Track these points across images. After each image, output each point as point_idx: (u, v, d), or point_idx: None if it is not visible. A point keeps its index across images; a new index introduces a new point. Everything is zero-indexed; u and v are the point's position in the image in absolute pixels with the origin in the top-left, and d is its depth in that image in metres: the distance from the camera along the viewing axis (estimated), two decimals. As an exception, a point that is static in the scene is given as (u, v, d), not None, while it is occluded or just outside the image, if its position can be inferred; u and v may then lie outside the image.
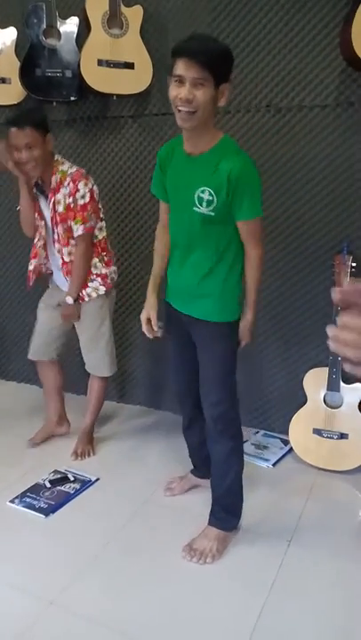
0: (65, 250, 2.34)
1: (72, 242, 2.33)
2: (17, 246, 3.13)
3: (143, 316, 1.95)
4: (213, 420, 1.86)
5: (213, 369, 1.84)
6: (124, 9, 2.47)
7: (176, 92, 1.53)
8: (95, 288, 2.40)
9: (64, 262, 2.36)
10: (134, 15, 2.48)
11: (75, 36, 2.58)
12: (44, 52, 2.59)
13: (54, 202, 2.27)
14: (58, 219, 2.29)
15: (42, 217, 2.39)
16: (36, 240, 2.46)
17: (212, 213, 1.66)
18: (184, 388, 2.04)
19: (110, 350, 2.53)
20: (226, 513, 1.91)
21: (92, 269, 2.40)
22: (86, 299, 2.40)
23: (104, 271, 2.42)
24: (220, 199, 1.63)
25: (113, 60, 2.49)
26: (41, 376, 2.69)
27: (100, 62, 2.49)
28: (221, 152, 1.64)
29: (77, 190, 2.23)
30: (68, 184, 2.24)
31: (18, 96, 2.71)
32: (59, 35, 2.58)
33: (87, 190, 2.25)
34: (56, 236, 2.33)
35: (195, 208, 1.67)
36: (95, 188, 2.31)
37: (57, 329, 2.53)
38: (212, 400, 1.85)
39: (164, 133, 2.63)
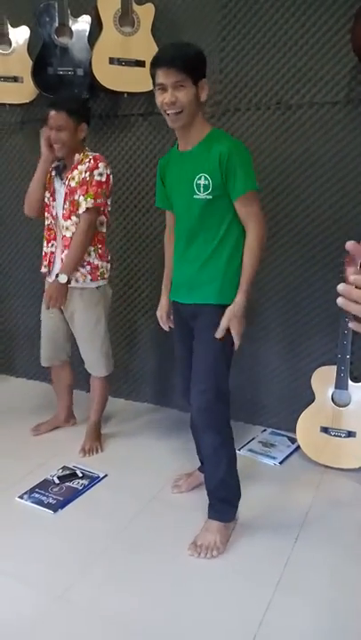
0: (65, 223, 2.33)
1: (73, 217, 2.31)
2: (27, 244, 3.16)
3: (158, 314, 2.13)
4: (200, 411, 1.85)
5: (204, 356, 1.85)
6: (135, 7, 2.48)
7: (161, 98, 1.70)
8: (83, 275, 2.35)
9: (65, 236, 2.35)
10: (146, 13, 2.49)
11: (86, 34, 2.60)
12: (55, 51, 2.61)
13: (70, 178, 2.30)
14: (69, 192, 2.31)
15: (54, 198, 2.40)
16: (48, 222, 2.44)
17: (210, 196, 1.75)
18: (188, 384, 2.01)
19: (106, 350, 2.52)
20: (222, 504, 1.93)
21: (85, 256, 2.35)
22: (72, 283, 2.34)
23: (96, 262, 2.38)
24: (215, 181, 1.73)
25: (124, 58, 2.50)
26: (53, 377, 2.73)
27: (111, 60, 2.50)
28: (212, 140, 1.76)
29: (97, 167, 2.27)
30: (89, 161, 2.28)
31: (30, 94, 2.73)
32: (70, 33, 2.60)
33: (106, 172, 2.29)
34: (64, 212, 2.33)
35: (194, 196, 1.77)
36: (111, 176, 2.34)
37: (63, 332, 2.56)
38: (200, 388, 1.84)
39: (174, 131, 2.63)
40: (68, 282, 2.32)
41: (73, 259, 2.30)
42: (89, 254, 2.37)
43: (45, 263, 2.47)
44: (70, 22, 2.59)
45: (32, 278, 3.14)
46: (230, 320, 1.79)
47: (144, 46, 2.50)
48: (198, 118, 1.76)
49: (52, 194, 2.40)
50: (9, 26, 2.71)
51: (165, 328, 2.13)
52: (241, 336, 1.82)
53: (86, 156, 2.32)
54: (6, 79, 2.74)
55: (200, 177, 1.76)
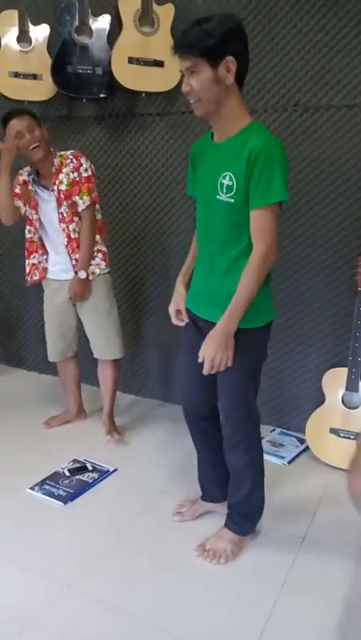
0: (70, 227, 2.40)
1: (76, 219, 2.40)
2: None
3: (171, 309, 1.87)
4: (228, 433, 1.80)
5: (231, 380, 1.72)
6: (155, 7, 2.50)
7: (183, 85, 1.54)
8: (97, 264, 2.49)
9: (70, 240, 2.42)
10: (166, 13, 2.51)
11: (106, 33, 2.62)
12: (75, 49, 2.63)
13: (57, 183, 2.35)
14: (63, 196, 2.36)
15: (37, 211, 2.45)
16: (30, 235, 2.54)
17: (232, 200, 1.55)
18: (193, 406, 1.92)
19: (120, 332, 2.60)
20: (242, 518, 1.88)
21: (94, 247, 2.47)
22: (91, 277, 2.46)
23: (104, 248, 2.51)
24: (239, 183, 1.52)
25: (143, 57, 2.52)
26: (61, 371, 2.78)
27: (130, 60, 2.52)
28: (248, 135, 1.53)
29: (81, 165, 2.36)
30: (71, 161, 2.35)
31: (48, 92, 2.76)
32: (90, 32, 2.62)
33: (88, 165, 2.39)
34: (60, 216, 2.39)
35: (217, 196, 1.58)
36: (92, 166, 2.43)
37: (69, 328, 2.63)
38: (227, 410, 1.79)
39: (190, 131, 2.66)
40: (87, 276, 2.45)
41: (87, 255, 2.44)
42: (97, 243, 2.47)
43: (37, 272, 2.55)
44: (90, 21, 2.61)
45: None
46: (205, 346, 1.59)
47: (163, 46, 2.51)
48: (232, 106, 1.54)
49: (35, 206, 2.45)
50: (29, 23, 2.73)
51: (180, 324, 1.85)
52: (216, 364, 1.59)
53: (64, 157, 2.37)
54: (26, 76, 2.76)
55: (225, 175, 1.54)
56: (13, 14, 2.71)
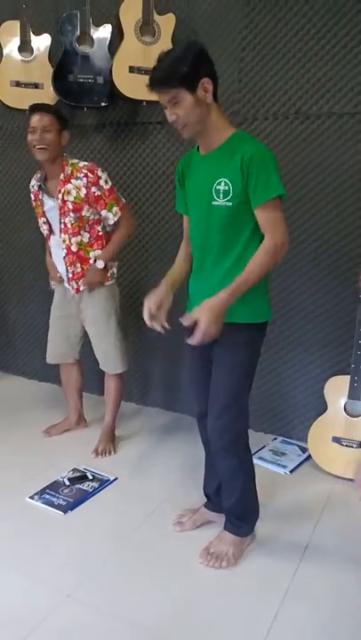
0: (74, 239, 2.38)
1: (83, 232, 2.38)
2: (31, 245, 3.19)
3: (147, 303, 1.78)
4: (216, 433, 1.78)
5: (225, 377, 1.75)
6: (156, 17, 2.52)
7: (167, 116, 1.63)
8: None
9: (69, 252, 2.40)
10: (167, 23, 2.53)
11: (107, 42, 2.64)
12: (76, 59, 2.65)
13: (64, 192, 2.33)
14: (68, 208, 2.33)
15: (46, 218, 2.46)
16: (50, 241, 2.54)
17: (230, 203, 1.62)
18: (205, 407, 1.88)
19: (120, 346, 2.56)
20: (239, 520, 1.90)
21: (90, 260, 2.44)
22: (81, 288, 2.46)
23: (114, 262, 2.49)
24: (235, 187, 1.60)
25: (144, 67, 2.53)
26: (63, 377, 2.76)
27: (131, 69, 2.54)
28: (234, 143, 1.63)
29: (99, 178, 2.33)
30: (85, 175, 2.32)
31: (50, 101, 2.75)
32: (92, 41, 2.64)
33: (106, 176, 2.36)
34: (62, 226, 2.38)
35: (213, 202, 1.64)
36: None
37: (73, 334, 2.62)
38: (217, 410, 1.77)
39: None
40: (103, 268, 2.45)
41: (115, 250, 2.44)
42: (89, 258, 2.44)
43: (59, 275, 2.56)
44: (92, 31, 2.63)
45: (39, 280, 3.17)
46: (202, 311, 1.56)
47: (164, 55, 2.53)
48: (214, 121, 1.63)
49: (44, 214, 2.45)
50: (31, 34, 2.76)
51: (155, 327, 1.77)
52: (206, 336, 1.56)
53: (76, 168, 2.33)
54: (27, 85, 2.79)
55: (220, 182, 1.62)
56: (15, 25, 2.73)
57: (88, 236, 2.41)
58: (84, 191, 2.32)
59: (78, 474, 2.39)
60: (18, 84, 2.77)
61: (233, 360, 1.73)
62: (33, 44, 2.77)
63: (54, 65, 2.70)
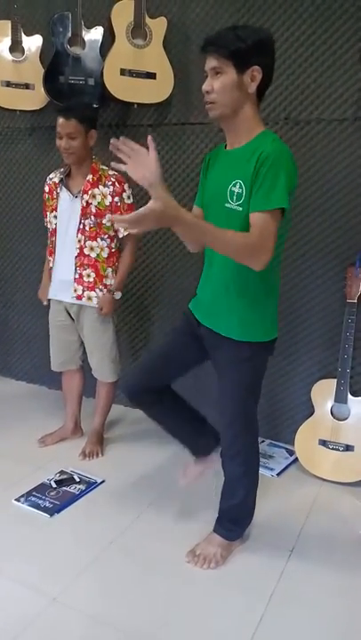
0: (88, 243, 2.37)
1: (99, 239, 2.38)
2: (31, 249, 3.18)
3: None
4: (227, 443, 1.82)
5: (226, 391, 1.75)
6: (148, 20, 2.52)
7: (203, 84, 1.53)
8: (98, 296, 2.43)
9: (81, 254, 2.39)
10: (158, 26, 2.53)
11: (99, 44, 2.64)
12: (68, 60, 2.64)
13: (90, 194, 2.33)
14: (90, 211, 2.33)
15: (56, 209, 2.44)
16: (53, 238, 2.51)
17: (240, 208, 1.52)
18: (142, 379, 1.88)
19: (114, 357, 2.56)
20: (232, 524, 1.90)
21: (104, 279, 2.43)
22: (83, 300, 2.43)
23: (112, 282, 2.46)
24: (248, 191, 1.50)
25: (135, 69, 2.54)
26: (65, 383, 2.73)
27: (122, 71, 2.54)
28: (259, 142, 1.52)
29: (124, 191, 2.36)
30: (113, 184, 2.33)
31: (40, 102, 2.77)
32: (83, 43, 2.64)
33: (130, 192, 2.38)
34: (81, 227, 2.36)
35: (226, 204, 1.56)
36: None
37: (71, 342, 2.60)
38: (225, 424, 1.80)
39: (182, 143, 2.68)
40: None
41: (124, 276, 2.47)
42: (107, 277, 2.43)
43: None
44: (83, 33, 2.63)
45: (35, 282, 3.16)
46: (157, 203, 1.34)
47: (155, 59, 2.54)
48: (247, 115, 1.54)
49: (55, 208, 2.43)
50: (22, 34, 2.75)
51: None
52: (142, 230, 1.38)
53: (106, 175, 2.35)
54: (18, 86, 2.77)
55: (235, 183, 1.52)
56: (6, 25, 2.72)
57: (108, 251, 2.41)
58: (109, 199, 2.33)
59: (65, 476, 2.38)
60: (8, 84, 2.75)
61: (234, 376, 1.72)
62: (24, 45, 2.76)
63: (45, 66, 2.70)
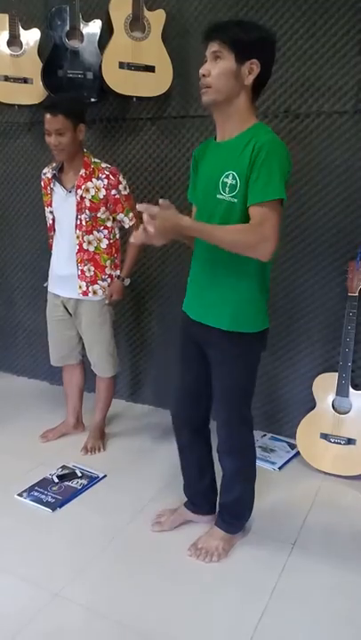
0: (86, 237, 2.37)
1: (95, 232, 2.37)
2: (30, 244, 3.18)
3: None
4: (222, 438, 1.82)
5: (221, 388, 1.76)
6: (146, 13, 2.50)
7: (201, 68, 1.53)
8: (103, 287, 2.43)
9: (81, 249, 2.38)
10: (157, 19, 2.51)
11: (97, 38, 2.62)
12: (66, 54, 2.63)
13: (83, 188, 2.31)
14: (85, 205, 2.32)
15: (51, 204, 2.44)
16: (51, 233, 2.53)
17: (235, 200, 1.52)
18: (182, 421, 1.93)
19: (112, 351, 2.56)
20: (232, 518, 1.91)
21: (106, 269, 2.43)
22: (90, 294, 2.42)
23: (114, 273, 2.47)
24: (242, 182, 1.50)
25: (134, 62, 2.52)
26: (65, 378, 2.73)
27: (121, 65, 2.52)
28: (252, 134, 1.52)
29: (120, 182, 2.35)
30: (107, 177, 2.32)
31: (39, 96, 2.75)
32: (81, 37, 2.62)
33: (126, 182, 2.38)
34: (78, 222, 2.36)
35: (218, 195, 1.56)
36: None
37: (69, 337, 2.59)
38: (221, 419, 1.81)
39: (182, 136, 2.66)
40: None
41: (133, 265, 2.49)
42: (107, 266, 2.43)
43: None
44: (81, 26, 2.61)
45: (36, 280, 3.16)
46: (165, 217, 1.40)
47: (154, 52, 2.52)
48: (240, 104, 1.53)
49: (50, 204, 2.44)
50: (20, 28, 2.73)
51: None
52: (149, 238, 1.41)
53: (99, 168, 2.33)
54: (16, 80, 2.76)
55: (228, 174, 1.52)
56: (4, 18, 2.70)
57: (107, 242, 2.41)
58: (103, 192, 2.32)
59: (67, 471, 2.39)
60: (7, 78, 2.74)
61: (227, 371, 1.73)
62: (22, 39, 2.74)
63: (44, 60, 2.68)
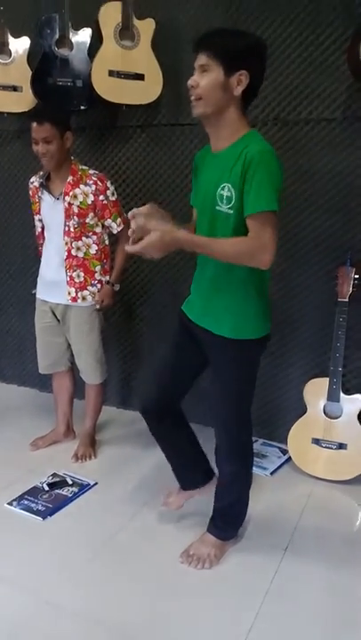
0: (75, 243, 2.37)
1: (84, 238, 2.38)
2: (20, 251, 3.17)
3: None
4: (222, 443, 1.82)
5: (220, 392, 1.77)
6: (136, 21, 2.52)
7: (190, 79, 1.55)
8: (92, 292, 2.43)
9: (69, 255, 2.38)
10: (146, 28, 2.53)
11: (87, 46, 2.63)
12: (55, 62, 2.63)
13: (71, 195, 2.32)
14: (73, 212, 2.33)
15: (39, 212, 2.45)
16: (40, 241, 2.53)
17: (231, 211, 1.54)
18: (157, 404, 1.90)
19: (99, 358, 2.55)
20: (225, 523, 1.91)
21: (96, 275, 2.43)
22: (79, 301, 2.42)
23: (104, 279, 2.47)
24: (237, 193, 1.52)
25: (124, 70, 2.53)
26: (55, 385, 2.72)
27: (110, 73, 2.53)
28: (243, 144, 1.53)
29: (107, 188, 2.36)
30: (95, 182, 2.33)
31: (28, 104, 2.75)
32: (71, 45, 2.63)
33: (113, 188, 2.39)
34: (66, 229, 2.36)
35: (217, 207, 1.58)
36: None
37: (57, 344, 2.58)
38: (220, 424, 1.81)
39: (172, 144, 2.68)
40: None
41: (122, 270, 2.49)
42: (96, 272, 2.44)
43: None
44: (71, 34, 2.62)
45: (27, 286, 3.15)
46: (159, 231, 1.46)
47: (143, 60, 2.54)
48: (230, 115, 1.55)
49: (39, 212, 2.44)
50: (9, 36, 2.74)
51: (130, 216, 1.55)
52: (145, 250, 1.48)
53: (86, 174, 2.34)
54: (5, 88, 2.76)
55: (224, 187, 1.54)
56: (-7, 26, 2.71)
57: (96, 248, 2.41)
58: (91, 198, 2.32)
59: (58, 479, 2.37)
60: (-4, 86, 2.74)
61: (228, 376, 1.73)
62: (11, 47, 2.75)
63: (33, 68, 2.69)
